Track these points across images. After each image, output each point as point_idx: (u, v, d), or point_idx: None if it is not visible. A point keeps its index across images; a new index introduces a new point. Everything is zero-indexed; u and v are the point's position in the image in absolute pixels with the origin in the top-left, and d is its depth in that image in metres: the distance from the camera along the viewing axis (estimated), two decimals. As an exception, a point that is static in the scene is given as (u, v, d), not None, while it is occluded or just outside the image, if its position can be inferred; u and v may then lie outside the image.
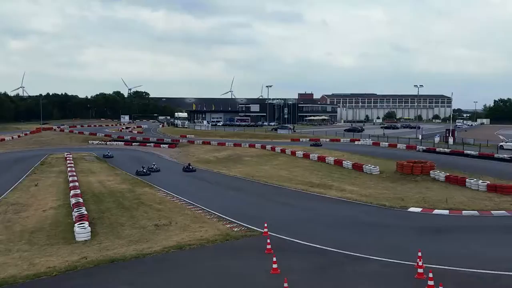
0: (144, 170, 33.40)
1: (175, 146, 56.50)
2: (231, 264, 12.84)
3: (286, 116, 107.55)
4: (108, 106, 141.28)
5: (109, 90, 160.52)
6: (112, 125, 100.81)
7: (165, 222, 18.13)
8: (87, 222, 16.94)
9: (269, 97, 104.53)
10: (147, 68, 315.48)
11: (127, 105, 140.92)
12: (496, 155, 36.56)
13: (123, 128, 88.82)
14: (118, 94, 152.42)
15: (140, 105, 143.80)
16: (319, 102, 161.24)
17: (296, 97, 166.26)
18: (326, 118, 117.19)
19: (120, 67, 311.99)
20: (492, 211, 18.89)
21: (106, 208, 21.72)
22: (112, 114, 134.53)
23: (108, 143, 62.03)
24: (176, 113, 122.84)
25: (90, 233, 16.40)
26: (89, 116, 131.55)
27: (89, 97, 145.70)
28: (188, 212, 20.15)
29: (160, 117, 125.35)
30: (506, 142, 45.05)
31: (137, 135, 72.23)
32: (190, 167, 35.49)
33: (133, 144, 60.04)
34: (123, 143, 61.42)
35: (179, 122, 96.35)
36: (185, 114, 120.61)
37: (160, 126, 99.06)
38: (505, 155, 35.82)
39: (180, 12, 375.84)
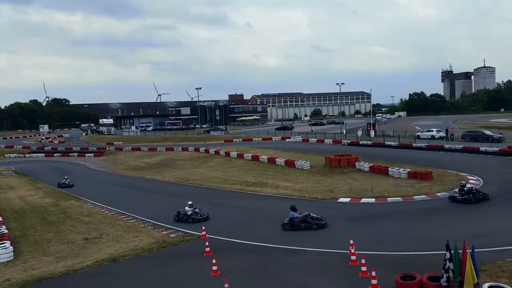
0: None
1: (101, 154, 53.90)
2: (169, 271, 12.52)
3: (218, 118, 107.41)
4: (24, 116, 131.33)
5: (25, 99, 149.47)
6: (30, 136, 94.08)
7: (95, 235, 17.25)
8: (8, 242, 15.70)
9: (199, 99, 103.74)
10: (67, 74, 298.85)
11: (45, 113, 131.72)
12: (414, 145, 39.28)
13: (42, 139, 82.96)
14: (35, 102, 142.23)
15: (60, 113, 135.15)
16: (249, 103, 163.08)
17: (227, 98, 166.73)
18: (257, 118, 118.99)
19: (36, 74, 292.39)
20: (414, 196, 20.28)
21: (29, 224, 20.22)
22: (30, 124, 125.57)
23: (27, 155, 58.10)
24: (100, 120, 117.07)
25: (12, 253, 15.21)
26: (4, 127, 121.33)
27: (2, 107, 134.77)
28: (120, 222, 19.32)
29: (83, 125, 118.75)
30: (422, 132, 48.91)
31: (59, 145, 67.86)
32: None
33: (54, 155, 56.31)
34: (43, 154, 57.52)
35: (104, 129, 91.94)
36: (110, 120, 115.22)
37: (84, 134, 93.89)
38: (422, 144, 38.82)
39: (100, 15, 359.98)
